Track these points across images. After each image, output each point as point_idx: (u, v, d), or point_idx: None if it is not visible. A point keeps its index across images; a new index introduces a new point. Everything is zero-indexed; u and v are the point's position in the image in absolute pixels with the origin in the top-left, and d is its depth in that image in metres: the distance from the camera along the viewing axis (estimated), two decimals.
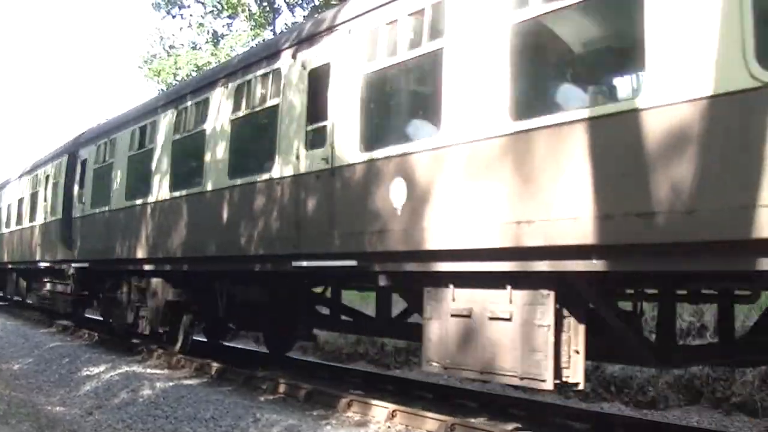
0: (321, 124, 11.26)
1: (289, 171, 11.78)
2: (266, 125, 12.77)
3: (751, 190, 5.88)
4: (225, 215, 13.58)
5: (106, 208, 19.27)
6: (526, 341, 8.10)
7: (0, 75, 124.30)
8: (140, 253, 16.92)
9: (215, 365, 15.02)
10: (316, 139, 11.37)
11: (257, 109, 13.10)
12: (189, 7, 41.24)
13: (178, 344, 16.49)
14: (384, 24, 10.09)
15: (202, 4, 40.77)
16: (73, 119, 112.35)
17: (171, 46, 42.87)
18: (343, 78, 10.82)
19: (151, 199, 16.62)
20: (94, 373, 15.51)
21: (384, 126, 11.10)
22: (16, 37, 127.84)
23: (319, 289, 15.62)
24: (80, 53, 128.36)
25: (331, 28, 11.29)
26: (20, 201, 30.01)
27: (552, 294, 7.95)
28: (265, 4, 39.51)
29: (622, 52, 8.71)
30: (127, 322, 18.05)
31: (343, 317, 15.34)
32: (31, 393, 14.45)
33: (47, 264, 24.59)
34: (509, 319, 8.27)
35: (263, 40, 33.89)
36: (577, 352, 8.11)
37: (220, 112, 14.07)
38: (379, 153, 9.97)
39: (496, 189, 8.12)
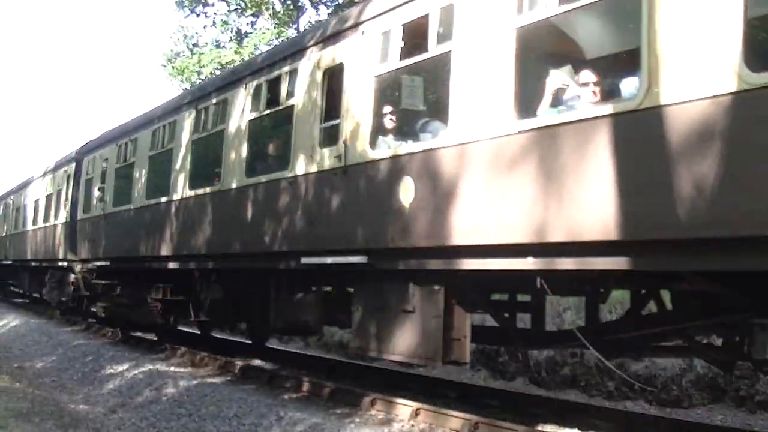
0: None
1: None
2: None
3: None
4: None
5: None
6: None
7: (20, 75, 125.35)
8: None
9: (239, 363, 15.02)
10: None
11: None
12: (213, 5, 41.36)
13: None
14: None
15: (226, 2, 40.88)
16: (95, 120, 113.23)
17: (194, 45, 43.00)
18: None
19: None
20: (118, 371, 15.57)
21: None
22: (38, 36, 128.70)
23: None
24: (101, 52, 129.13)
25: None
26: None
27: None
28: (289, 2, 39.50)
29: None
30: None
31: None
32: (55, 391, 14.53)
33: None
34: None
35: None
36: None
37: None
38: None
39: None
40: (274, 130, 13.98)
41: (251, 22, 41.11)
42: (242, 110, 13.74)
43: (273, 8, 39.48)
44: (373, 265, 10.51)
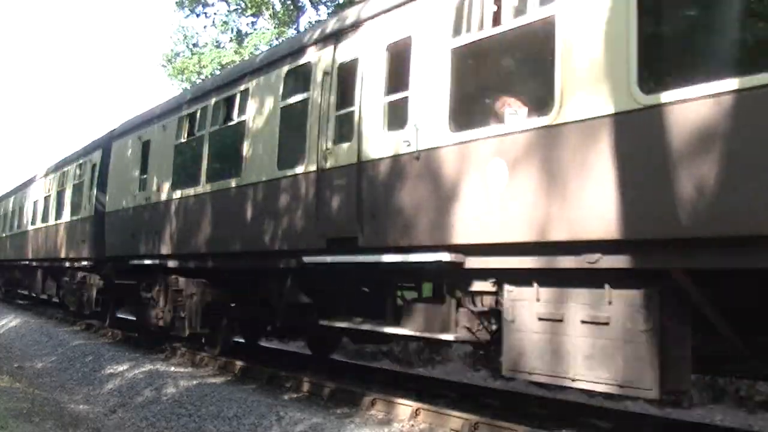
0: None
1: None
2: None
3: None
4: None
5: None
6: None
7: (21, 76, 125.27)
8: None
9: (239, 363, 14.99)
10: None
11: None
12: (213, 5, 41.38)
13: None
14: None
15: (226, 2, 40.90)
16: (97, 118, 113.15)
17: (194, 45, 43.01)
18: None
19: None
20: (118, 371, 15.55)
21: None
22: (40, 37, 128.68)
23: None
24: (101, 52, 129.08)
25: None
26: None
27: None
28: (289, 2, 39.50)
29: None
30: None
31: None
32: (55, 391, 14.53)
33: None
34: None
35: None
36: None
37: None
38: None
39: None
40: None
41: (251, 22, 41.17)
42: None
43: (273, 8, 39.49)
44: None
